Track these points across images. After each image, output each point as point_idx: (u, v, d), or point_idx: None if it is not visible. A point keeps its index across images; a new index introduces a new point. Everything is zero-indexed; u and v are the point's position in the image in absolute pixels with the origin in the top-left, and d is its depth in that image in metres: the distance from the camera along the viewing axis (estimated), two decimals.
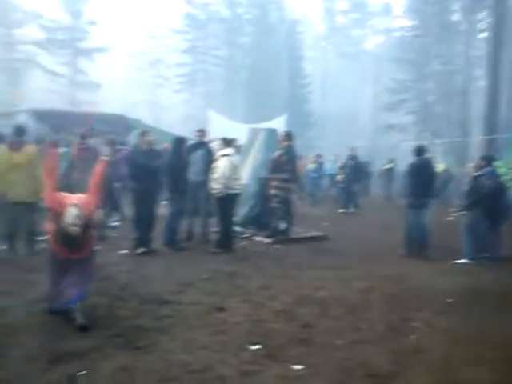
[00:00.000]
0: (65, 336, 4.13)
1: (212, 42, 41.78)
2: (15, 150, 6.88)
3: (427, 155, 8.86)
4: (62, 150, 9.12)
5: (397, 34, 38.99)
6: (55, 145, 8.84)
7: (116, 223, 9.65)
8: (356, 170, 14.73)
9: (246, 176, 9.29)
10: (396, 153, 23.67)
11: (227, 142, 8.10)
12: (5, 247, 7.03)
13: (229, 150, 7.90)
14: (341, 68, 45.69)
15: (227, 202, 7.76)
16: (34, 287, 5.38)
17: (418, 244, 8.09)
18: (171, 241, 7.80)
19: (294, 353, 4.04)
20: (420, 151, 8.30)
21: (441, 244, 8.52)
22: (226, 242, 7.81)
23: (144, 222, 7.43)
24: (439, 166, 15.64)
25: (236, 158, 7.99)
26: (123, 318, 4.63)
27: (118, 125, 18.09)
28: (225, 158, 7.75)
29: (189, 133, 9.00)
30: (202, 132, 8.73)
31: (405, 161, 10.80)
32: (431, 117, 30.88)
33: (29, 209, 7.02)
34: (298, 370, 3.73)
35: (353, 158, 14.92)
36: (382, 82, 37.28)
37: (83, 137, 8.59)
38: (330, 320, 4.88)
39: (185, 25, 41.51)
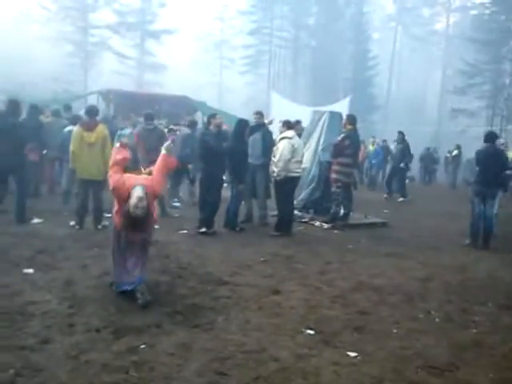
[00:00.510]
0: (127, 311, 4.32)
1: (278, 23, 41.45)
2: (88, 130, 7.19)
3: (498, 142, 8.43)
4: (128, 130, 9.43)
5: (474, 12, 37.00)
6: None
7: (177, 203, 9.89)
8: (404, 155, 13.90)
9: (307, 159, 9.23)
10: (463, 139, 22.69)
11: (289, 125, 8.06)
12: (74, 223, 7.41)
13: (290, 133, 7.86)
14: (409, 50, 44.09)
15: (286, 185, 7.76)
16: (99, 262, 5.66)
17: (483, 234, 7.77)
18: (231, 223, 7.92)
19: (349, 339, 4.02)
20: (490, 137, 7.91)
21: (508, 235, 8.15)
22: (285, 225, 7.83)
23: (210, 203, 7.56)
24: (510, 154, 14.84)
25: (296, 141, 7.92)
26: (183, 296, 4.78)
27: (183, 106, 18.47)
28: (285, 140, 7.74)
29: (251, 115, 9.03)
30: (260, 114, 8.73)
31: (473, 147, 10.35)
32: (504, 101, 29.22)
33: (98, 186, 7.36)
34: (353, 356, 3.72)
35: (401, 141, 14.09)
36: (453, 64, 35.63)
37: (149, 118, 8.83)
38: (386, 308, 4.82)
39: (251, 6, 41.39)
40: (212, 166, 7.45)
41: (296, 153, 7.76)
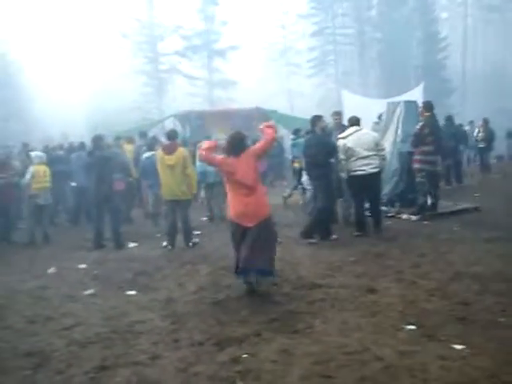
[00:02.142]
0: (226, 322, 4.45)
1: (340, 21, 40.99)
2: (168, 153, 7.51)
3: None
4: None
5: None
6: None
7: None
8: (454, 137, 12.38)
9: (386, 152, 8.97)
10: None
11: (352, 121, 7.86)
12: (166, 243, 7.73)
13: (347, 131, 7.66)
14: (484, 23, 41.68)
15: (353, 184, 7.58)
16: (194, 279, 5.89)
17: None
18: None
19: (454, 332, 3.88)
20: None
21: None
22: (363, 224, 7.66)
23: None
24: None
25: (351, 139, 7.52)
26: (278, 303, 4.84)
27: (256, 117, 18.72)
28: (339, 141, 7.59)
29: (324, 116, 8.93)
30: (339, 114, 8.56)
31: None
32: None
33: (184, 206, 7.65)
34: (460, 349, 3.58)
35: (448, 118, 12.94)
36: None
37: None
38: (490, 296, 4.58)
39: (310, 8, 41.29)
40: (318, 169, 7.31)
41: (352, 151, 7.47)
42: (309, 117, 7.96)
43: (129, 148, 11.35)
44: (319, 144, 7.23)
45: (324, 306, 4.69)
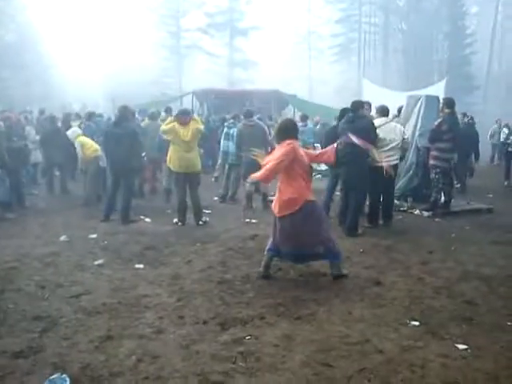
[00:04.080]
0: (231, 303, 4.49)
1: (366, 9, 40.40)
2: (183, 126, 7.45)
3: None
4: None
5: None
6: None
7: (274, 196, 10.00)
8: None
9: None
10: None
11: (380, 111, 7.78)
12: (176, 220, 7.80)
13: (380, 120, 7.58)
14: None
15: (376, 173, 7.46)
16: (202, 257, 5.96)
17: None
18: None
19: (457, 331, 3.88)
20: None
21: None
22: (375, 216, 7.63)
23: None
24: None
25: (380, 130, 7.45)
26: (284, 288, 4.86)
27: (274, 100, 18.64)
28: None
29: (343, 104, 8.82)
30: (369, 105, 8.34)
31: None
32: None
33: (194, 179, 7.69)
34: (462, 349, 3.59)
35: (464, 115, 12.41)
36: None
37: (249, 115, 9.06)
38: (497, 298, 4.58)
39: None
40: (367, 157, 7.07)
41: (381, 141, 7.37)
42: (327, 104, 7.88)
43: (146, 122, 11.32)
44: (363, 130, 6.85)
45: (329, 294, 4.71)
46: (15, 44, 27.17)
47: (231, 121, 10.35)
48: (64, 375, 3.20)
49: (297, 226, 4.89)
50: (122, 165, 7.87)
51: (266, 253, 5.23)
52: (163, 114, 11.64)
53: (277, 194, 5.10)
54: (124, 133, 7.84)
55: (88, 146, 9.32)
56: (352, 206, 7.13)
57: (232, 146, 9.62)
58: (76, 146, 9.33)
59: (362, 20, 40.29)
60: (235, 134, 9.33)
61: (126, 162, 7.83)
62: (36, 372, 3.32)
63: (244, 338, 3.80)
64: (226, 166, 10.01)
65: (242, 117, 9.54)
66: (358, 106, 7.19)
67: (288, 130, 5.11)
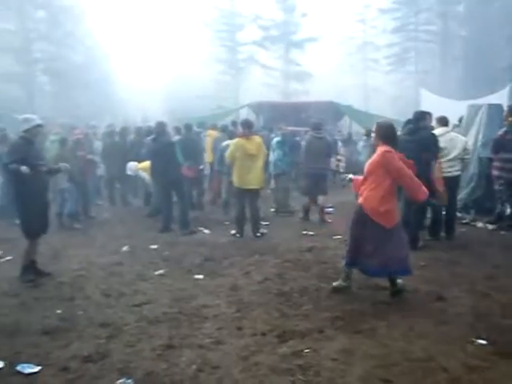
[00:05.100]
0: (289, 316, 4.50)
1: (424, 17, 39.53)
2: (249, 142, 7.56)
3: None
4: (277, 138, 9.97)
5: None
6: None
7: (331, 208, 9.94)
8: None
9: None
10: None
11: (441, 121, 7.56)
12: (234, 231, 7.88)
13: (441, 130, 7.37)
14: None
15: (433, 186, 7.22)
16: (260, 269, 6.00)
17: None
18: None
19: None
20: None
21: None
22: (437, 229, 7.40)
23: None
24: None
25: (443, 139, 7.21)
26: (342, 301, 4.81)
27: (330, 111, 18.54)
28: None
29: (398, 114, 8.67)
30: (430, 115, 8.07)
31: None
32: None
33: (255, 195, 7.78)
34: None
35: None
36: None
37: (317, 127, 9.14)
38: None
39: (392, 2, 40.12)
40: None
41: (442, 152, 7.18)
42: (384, 114, 7.76)
43: (213, 134, 11.63)
44: (424, 142, 6.67)
45: (389, 309, 4.62)
46: (83, 64, 28.63)
47: (279, 132, 10.51)
48: (129, 381, 3.31)
49: (387, 240, 4.72)
50: (164, 177, 8.17)
51: (345, 266, 5.10)
52: (195, 128, 11.83)
53: (376, 205, 4.76)
54: (161, 146, 8.18)
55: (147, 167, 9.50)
56: (412, 218, 6.96)
57: (272, 156, 9.75)
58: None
59: (418, 28, 39.42)
60: (277, 144, 9.63)
61: (167, 175, 8.09)
62: (103, 376, 3.46)
63: (303, 350, 3.79)
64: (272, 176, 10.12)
65: (310, 129, 9.56)
66: (420, 117, 7.03)
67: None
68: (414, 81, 37.22)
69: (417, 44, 39.85)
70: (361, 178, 4.99)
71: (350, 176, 5.37)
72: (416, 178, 4.72)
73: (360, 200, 4.84)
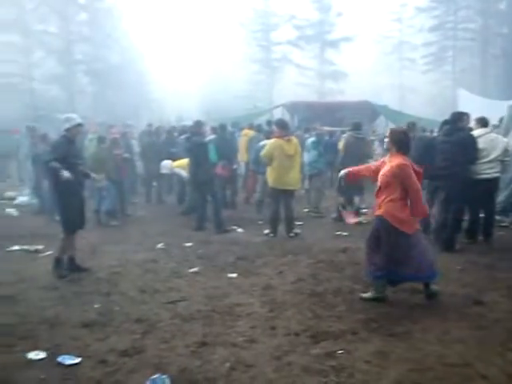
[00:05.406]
0: (323, 316, 4.49)
1: (463, 15, 38.63)
2: (288, 142, 7.58)
3: None
4: (312, 139, 10.00)
5: None
6: None
7: (365, 210, 9.83)
8: None
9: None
10: None
11: (482, 122, 7.38)
12: (268, 231, 7.90)
13: (480, 131, 7.19)
14: None
15: (474, 187, 7.01)
16: (293, 269, 6.00)
17: None
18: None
19: None
20: None
21: None
22: (475, 232, 7.22)
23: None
24: None
25: (483, 140, 7.04)
26: (375, 304, 4.76)
27: (365, 111, 18.37)
28: None
29: (436, 114, 8.51)
30: (468, 116, 7.88)
31: None
32: None
33: (290, 195, 7.79)
34: None
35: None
36: None
37: (358, 127, 9.08)
38: None
39: (430, 0, 39.36)
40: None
41: (481, 153, 7.03)
42: (420, 114, 7.64)
43: (249, 134, 11.71)
44: (460, 144, 6.60)
45: (424, 312, 4.55)
46: (120, 65, 29.21)
47: (313, 132, 10.47)
48: (164, 376, 3.37)
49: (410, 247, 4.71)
50: (195, 176, 8.29)
51: (373, 279, 4.93)
52: (229, 127, 11.89)
53: (398, 213, 4.72)
54: (193, 146, 8.28)
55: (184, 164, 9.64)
56: (450, 220, 6.82)
57: (307, 156, 9.73)
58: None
59: (457, 27, 38.53)
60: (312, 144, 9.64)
61: (198, 174, 8.21)
62: (139, 371, 3.53)
63: (336, 352, 3.78)
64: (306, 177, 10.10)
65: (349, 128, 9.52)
66: (457, 118, 6.89)
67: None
68: (452, 80, 36.46)
69: (455, 42, 38.97)
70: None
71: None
72: (420, 195, 4.74)
73: (379, 212, 4.80)
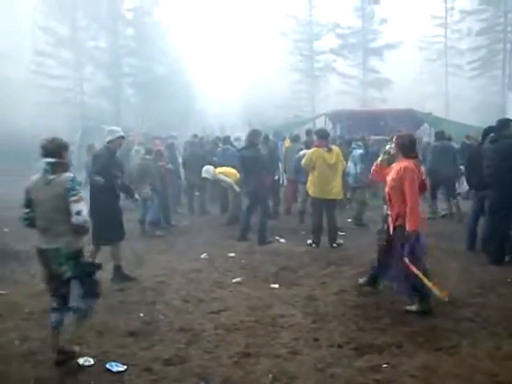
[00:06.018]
0: (366, 329, 4.44)
1: None
2: (328, 152, 7.58)
3: None
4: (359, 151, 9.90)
5: None
6: None
7: None
8: None
9: None
10: None
11: None
12: (311, 241, 7.86)
13: None
14: None
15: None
16: (336, 280, 5.96)
17: None
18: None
19: None
20: None
21: None
22: None
23: None
24: None
25: None
26: (421, 316, 4.67)
27: (409, 119, 18.05)
28: None
29: (483, 121, 8.23)
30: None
31: None
32: None
33: (332, 205, 7.75)
34: None
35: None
36: None
37: (440, 136, 9.09)
38: None
39: (478, 3, 38.32)
40: None
41: None
42: (465, 121, 7.43)
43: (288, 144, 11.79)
44: (506, 151, 6.36)
45: (472, 326, 4.42)
46: (165, 76, 29.95)
47: (359, 143, 10.29)
48: None
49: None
50: (244, 187, 8.42)
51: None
52: (271, 137, 11.90)
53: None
54: (245, 158, 8.27)
55: (227, 172, 9.85)
56: (498, 230, 6.59)
57: (353, 168, 9.60)
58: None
59: (507, 30, 37.27)
60: (360, 157, 9.61)
61: (247, 184, 8.33)
62: (183, 380, 3.59)
63: (381, 365, 3.73)
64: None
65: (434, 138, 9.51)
66: (503, 125, 6.68)
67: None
68: (501, 86, 35.33)
69: (505, 46, 37.74)
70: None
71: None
72: (418, 206, 4.74)
73: (399, 222, 4.82)
